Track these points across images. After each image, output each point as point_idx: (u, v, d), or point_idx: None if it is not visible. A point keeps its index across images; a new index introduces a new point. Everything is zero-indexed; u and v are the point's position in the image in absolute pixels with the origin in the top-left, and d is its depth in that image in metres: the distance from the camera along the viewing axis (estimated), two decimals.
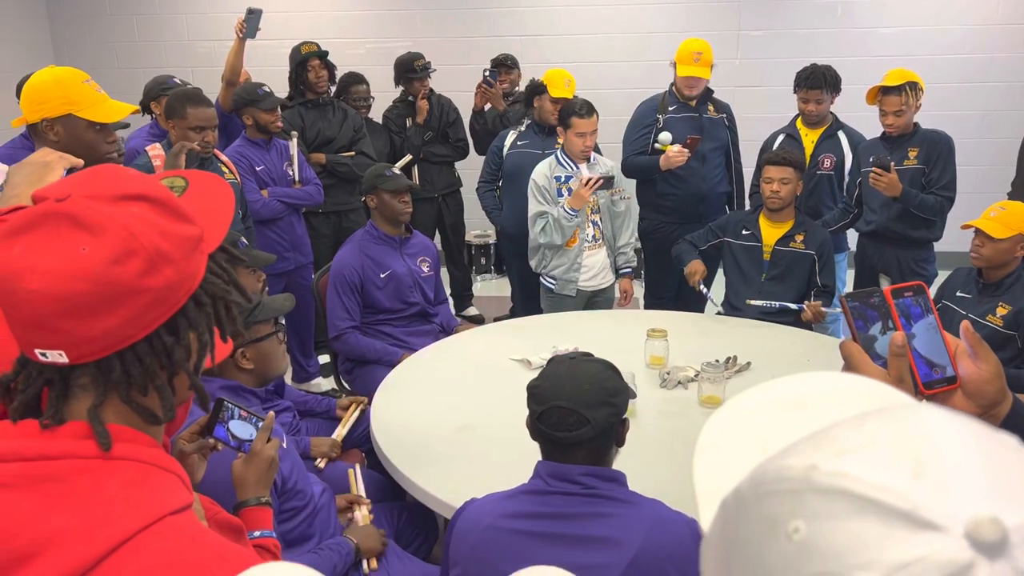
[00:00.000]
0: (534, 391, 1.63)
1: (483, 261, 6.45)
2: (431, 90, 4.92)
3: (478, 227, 6.34)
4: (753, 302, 3.42)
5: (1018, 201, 3.00)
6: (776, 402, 0.58)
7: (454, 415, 2.59)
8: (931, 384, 1.02)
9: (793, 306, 3.37)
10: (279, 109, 3.97)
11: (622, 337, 3.17)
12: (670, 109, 4.14)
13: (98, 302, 0.79)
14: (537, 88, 4.12)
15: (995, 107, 5.79)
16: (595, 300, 3.78)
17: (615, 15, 6.17)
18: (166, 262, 0.82)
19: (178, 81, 3.87)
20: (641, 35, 6.17)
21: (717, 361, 2.85)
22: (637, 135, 4.18)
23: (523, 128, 4.20)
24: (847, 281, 4.28)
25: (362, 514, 2.17)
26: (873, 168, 3.44)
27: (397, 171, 3.43)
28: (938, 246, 3.71)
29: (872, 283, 3.78)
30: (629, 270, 3.85)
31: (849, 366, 1.09)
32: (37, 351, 0.80)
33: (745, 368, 2.86)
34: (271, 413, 1.59)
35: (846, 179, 3.94)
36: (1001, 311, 2.86)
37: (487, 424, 2.53)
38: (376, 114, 4.98)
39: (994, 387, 0.94)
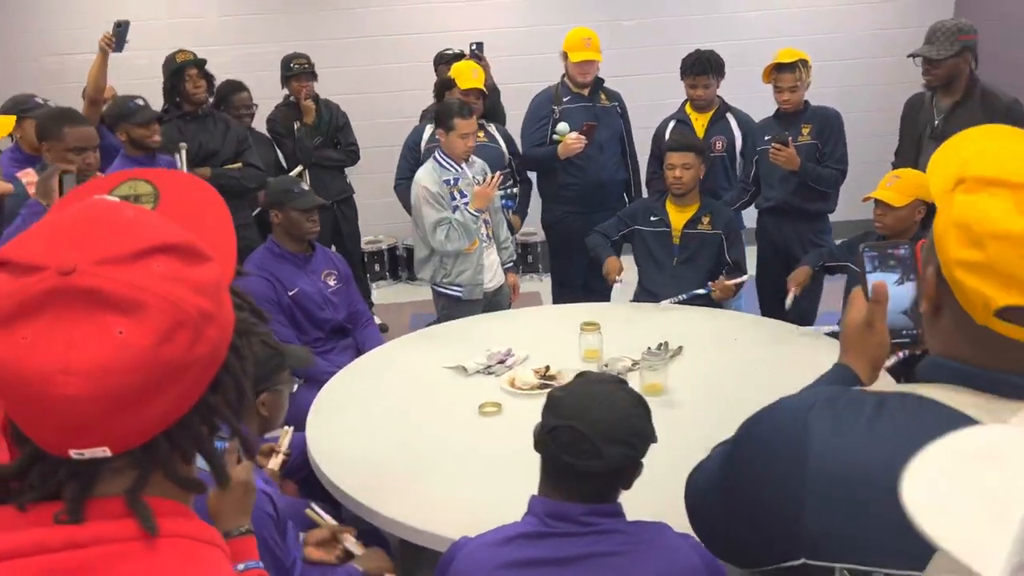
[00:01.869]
0: (554, 402, 1.51)
1: (377, 268, 6.28)
2: (316, 95, 4.73)
3: (369, 233, 6.17)
4: (664, 302, 3.43)
5: (907, 168, 3.17)
6: (973, 456, 0.60)
7: (396, 431, 2.48)
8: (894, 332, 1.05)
9: (702, 291, 3.43)
10: (156, 123, 3.69)
11: (551, 333, 3.14)
12: (564, 100, 4.15)
13: (148, 389, 0.65)
14: (446, 83, 4.02)
15: (858, 82, 6.15)
16: (496, 300, 3.73)
17: (490, 13, 6.13)
18: (209, 322, 0.69)
19: (40, 100, 3.53)
20: (520, 30, 6.16)
21: (650, 349, 2.87)
22: (535, 128, 4.17)
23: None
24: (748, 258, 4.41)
25: (352, 542, 2.05)
26: (772, 144, 3.56)
27: (306, 186, 3.25)
28: (832, 217, 3.89)
29: (774, 258, 3.92)
30: (512, 264, 3.84)
31: (850, 309, 1.13)
32: (72, 452, 0.65)
33: (678, 353, 2.88)
34: (233, 441, 1.44)
35: (739, 159, 4.06)
36: None
37: (432, 437, 2.44)
38: (259, 124, 4.74)
39: None
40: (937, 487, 0.60)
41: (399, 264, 6.36)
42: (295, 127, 4.68)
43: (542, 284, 5.78)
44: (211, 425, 0.74)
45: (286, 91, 4.75)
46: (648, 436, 1.50)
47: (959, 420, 0.80)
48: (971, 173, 0.81)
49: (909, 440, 0.81)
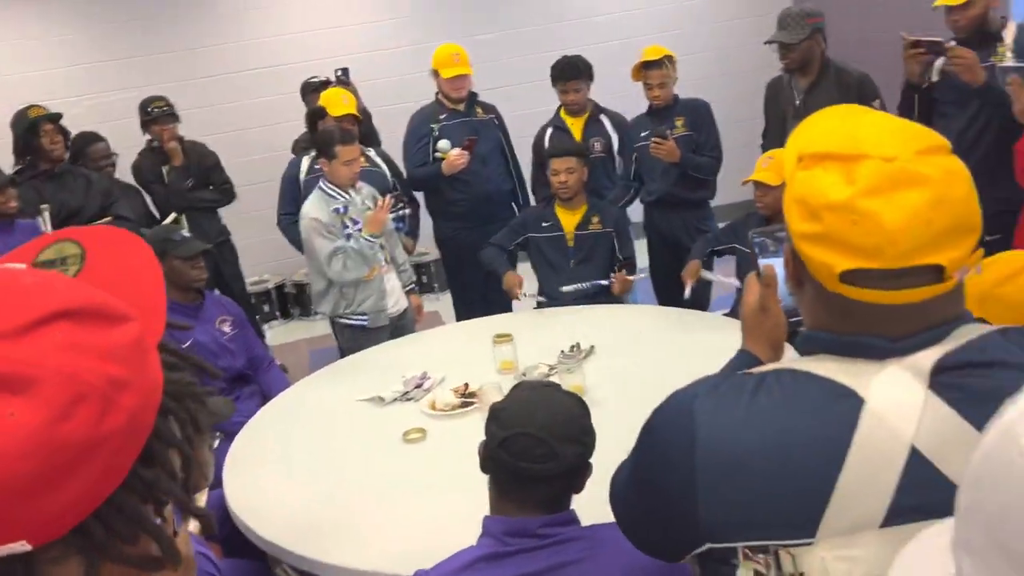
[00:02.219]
0: (498, 415, 1.48)
1: (267, 308, 6.07)
2: (180, 137, 4.54)
3: (252, 274, 5.96)
4: (566, 288, 3.50)
5: (779, 149, 3.33)
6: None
7: (321, 474, 2.39)
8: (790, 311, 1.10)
9: (604, 282, 3.49)
10: (10, 187, 3.44)
11: (463, 350, 3.12)
12: (441, 118, 4.15)
13: (53, 473, 0.58)
14: (317, 112, 3.93)
15: (720, 72, 6.42)
16: (401, 325, 3.67)
17: (353, 38, 6.06)
18: (122, 389, 0.62)
19: None
20: (383, 53, 6.12)
21: (563, 352, 2.89)
22: (416, 148, 4.15)
23: (315, 153, 3.98)
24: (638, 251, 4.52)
25: None
26: (652, 139, 3.67)
27: (187, 233, 3.10)
28: (713, 202, 4.04)
29: (664, 249, 4.04)
30: (414, 286, 3.80)
31: (746, 295, 1.18)
32: None
33: (591, 353, 2.91)
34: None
35: (617, 159, 4.16)
36: None
37: (361, 473, 2.36)
38: (122, 173, 4.50)
39: None
40: None
41: (288, 301, 6.18)
42: (163, 172, 4.47)
43: (440, 303, 5.74)
44: (155, 500, 0.68)
45: (148, 136, 4.53)
46: (594, 434, 1.51)
47: (832, 388, 0.84)
48: (807, 150, 0.87)
49: (787, 414, 0.85)
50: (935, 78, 3.21)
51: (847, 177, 0.82)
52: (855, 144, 0.83)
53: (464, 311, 4.37)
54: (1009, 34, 3.08)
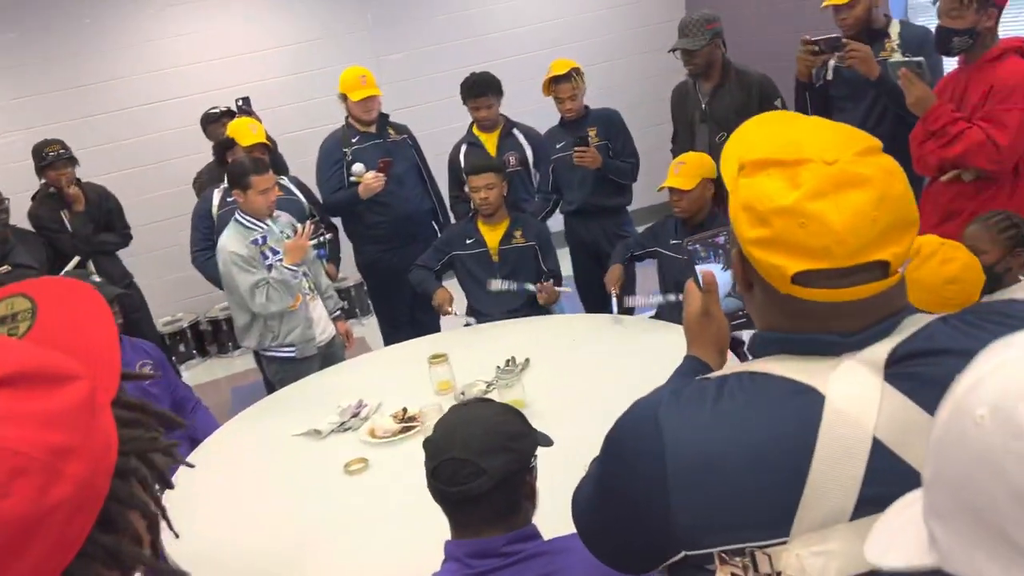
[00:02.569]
0: (427, 445, 1.47)
1: (183, 348, 5.86)
2: (79, 180, 4.34)
3: (164, 313, 5.75)
4: (494, 286, 3.45)
5: (689, 152, 3.42)
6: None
7: (263, 516, 2.31)
8: (731, 314, 1.12)
9: (531, 287, 3.49)
10: None
11: (397, 374, 3.07)
12: (353, 141, 4.10)
13: None
14: (226, 143, 3.82)
15: (624, 80, 6.56)
16: (331, 353, 3.60)
17: (253, 66, 5.93)
18: (67, 457, 0.58)
19: None
20: (285, 79, 6.01)
21: (499, 367, 2.89)
22: (330, 173, 4.09)
23: (227, 185, 3.87)
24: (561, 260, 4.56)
25: None
26: (575, 148, 3.72)
27: (97, 277, 2.96)
28: (630, 208, 4.12)
29: (586, 257, 4.09)
30: (340, 312, 3.74)
31: (687, 302, 1.19)
32: None
33: (527, 366, 2.92)
34: None
35: (533, 171, 4.19)
36: None
37: (305, 511, 2.29)
38: (18, 219, 4.27)
39: None
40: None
41: (205, 339, 5.97)
42: (63, 218, 4.27)
43: (365, 328, 5.65)
44: (119, 566, 0.65)
45: (43, 181, 4.31)
46: (526, 435, 1.48)
47: (792, 386, 0.86)
48: (748, 158, 0.89)
49: (753, 415, 0.87)
50: (830, 76, 3.37)
51: (791, 182, 0.84)
52: (796, 149, 0.85)
53: (392, 334, 4.32)
54: (894, 30, 3.26)
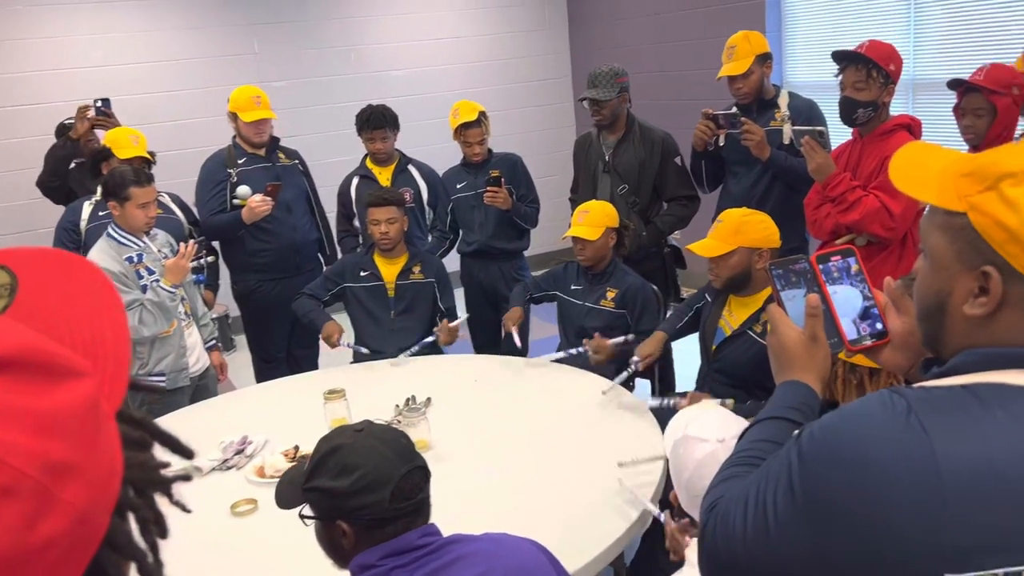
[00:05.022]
0: (366, 481, 1.35)
1: None
2: None
3: None
4: (401, 356, 3.30)
5: (592, 200, 3.45)
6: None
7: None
8: (857, 341, 1.07)
9: (430, 339, 3.39)
10: None
11: (283, 409, 2.86)
12: (240, 162, 3.87)
13: None
14: (101, 154, 3.48)
15: (521, 129, 6.62)
16: (203, 385, 3.32)
17: (122, 77, 5.55)
18: (65, 477, 0.44)
19: None
20: (165, 94, 5.67)
21: (399, 406, 2.74)
22: (211, 194, 3.82)
23: (99, 198, 3.51)
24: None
25: None
26: (488, 188, 3.68)
27: None
28: (527, 252, 4.10)
29: (482, 298, 4.01)
30: (215, 341, 3.47)
31: (772, 329, 1.12)
32: None
33: (428, 404, 2.78)
34: None
35: (427, 209, 4.10)
36: (611, 294, 3.25)
37: (191, 562, 2.03)
38: None
39: (918, 337, 1.01)
40: None
41: None
42: None
43: (234, 360, 5.29)
44: None
45: None
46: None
47: None
48: (1016, 167, 0.84)
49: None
50: (722, 143, 3.50)
51: None
52: None
53: (268, 370, 4.05)
54: (783, 101, 3.44)
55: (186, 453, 0.59)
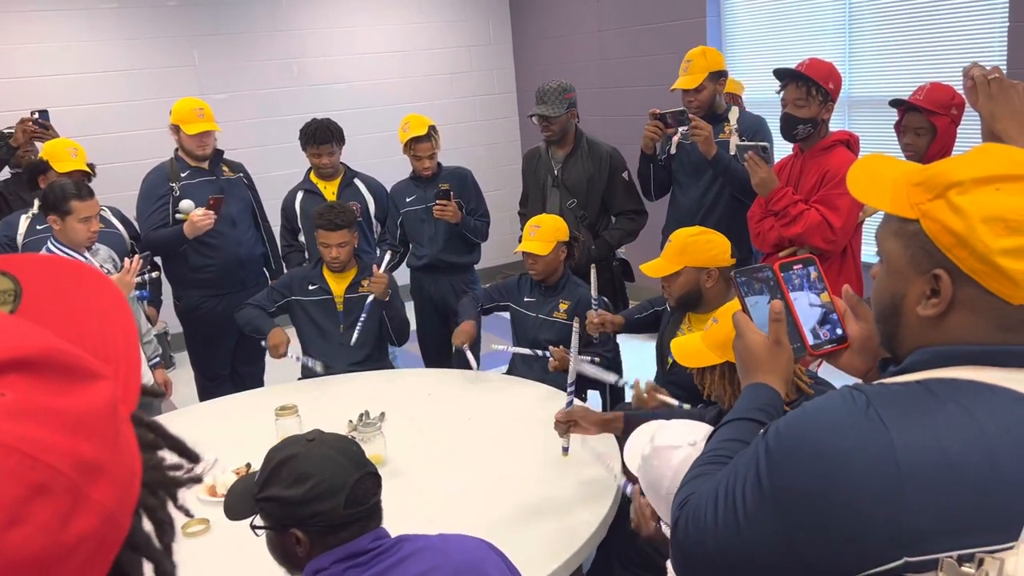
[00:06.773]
0: (320, 489, 1.38)
1: None
2: None
3: None
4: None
5: (542, 215, 3.48)
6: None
7: None
8: (818, 346, 1.11)
9: (370, 297, 3.34)
10: None
11: (230, 427, 2.80)
12: (183, 176, 3.79)
13: None
14: (38, 167, 3.37)
15: (468, 143, 6.63)
16: (145, 403, 3.22)
17: (57, 86, 5.39)
18: (96, 476, 0.44)
19: None
20: (100, 106, 5.52)
21: (352, 422, 2.72)
22: (153, 209, 3.73)
23: (36, 211, 3.39)
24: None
25: None
26: (438, 201, 3.67)
27: None
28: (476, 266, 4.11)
29: (432, 311, 4.00)
30: (159, 359, 3.40)
31: (738, 334, 1.16)
32: None
33: (382, 419, 2.76)
34: None
35: (374, 222, 4.07)
36: (563, 306, 3.28)
37: None
38: None
39: (876, 341, 1.06)
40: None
41: None
42: None
43: (172, 378, 5.15)
44: None
45: None
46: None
47: (1011, 395, 0.87)
48: (966, 176, 0.89)
49: (983, 418, 0.85)
50: (673, 151, 3.58)
51: None
52: (1018, 165, 0.89)
53: (209, 388, 3.97)
54: (733, 116, 3.53)
55: (192, 457, 0.58)
